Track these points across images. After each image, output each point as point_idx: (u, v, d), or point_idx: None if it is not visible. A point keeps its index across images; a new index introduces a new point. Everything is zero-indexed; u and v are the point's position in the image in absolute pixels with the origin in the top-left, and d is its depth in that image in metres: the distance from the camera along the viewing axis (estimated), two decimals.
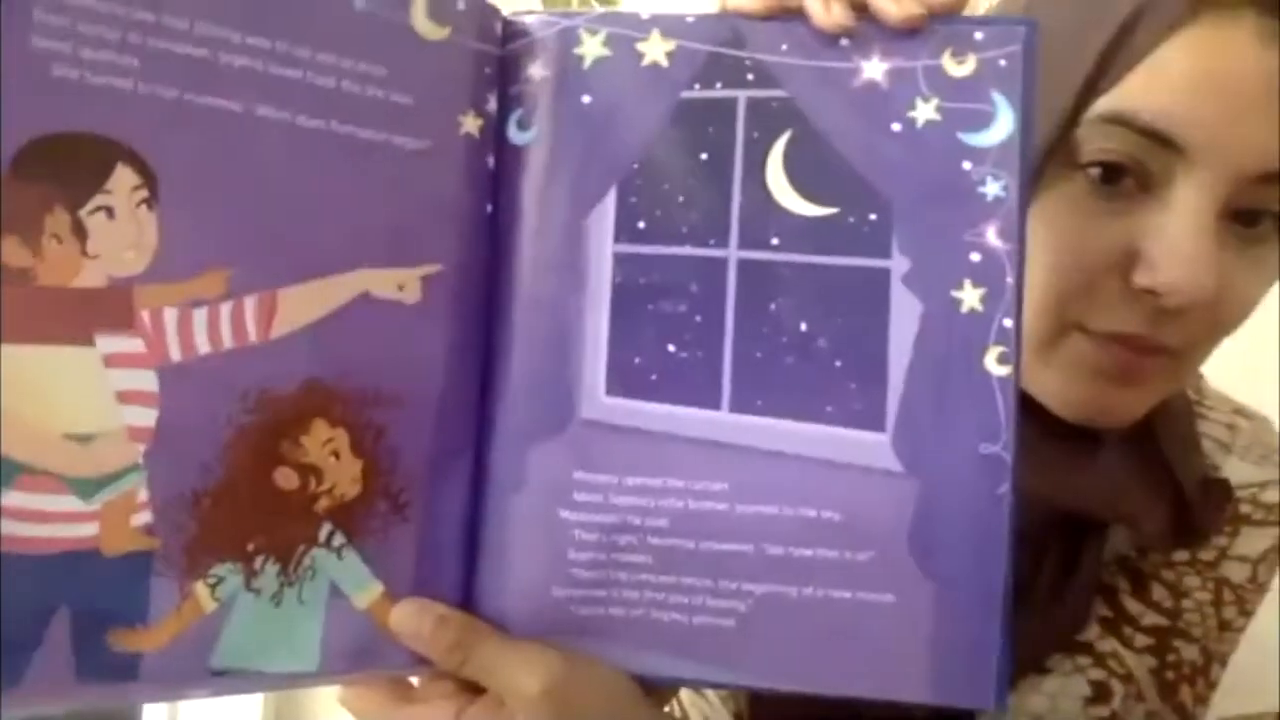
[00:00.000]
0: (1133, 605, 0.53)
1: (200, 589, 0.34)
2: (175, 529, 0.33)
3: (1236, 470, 0.55)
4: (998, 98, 0.36)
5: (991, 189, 0.36)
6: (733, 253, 0.37)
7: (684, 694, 0.54)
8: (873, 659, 0.37)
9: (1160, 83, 0.41)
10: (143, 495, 0.33)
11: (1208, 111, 0.41)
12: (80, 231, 0.31)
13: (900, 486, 0.36)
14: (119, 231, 0.32)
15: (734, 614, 0.37)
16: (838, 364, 0.37)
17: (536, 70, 0.38)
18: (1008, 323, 0.36)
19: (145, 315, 0.33)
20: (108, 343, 0.32)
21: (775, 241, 0.37)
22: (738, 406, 0.37)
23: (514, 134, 0.38)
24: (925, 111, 0.36)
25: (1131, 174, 0.42)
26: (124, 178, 0.32)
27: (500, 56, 0.38)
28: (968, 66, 0.36)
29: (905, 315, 0.36)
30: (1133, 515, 0.50)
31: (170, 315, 0.33)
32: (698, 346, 0.37)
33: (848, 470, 0.37)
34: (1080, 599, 0.52)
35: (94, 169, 0.31)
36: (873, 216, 0.37)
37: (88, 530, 0.32)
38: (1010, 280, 0.36)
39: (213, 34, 0.33)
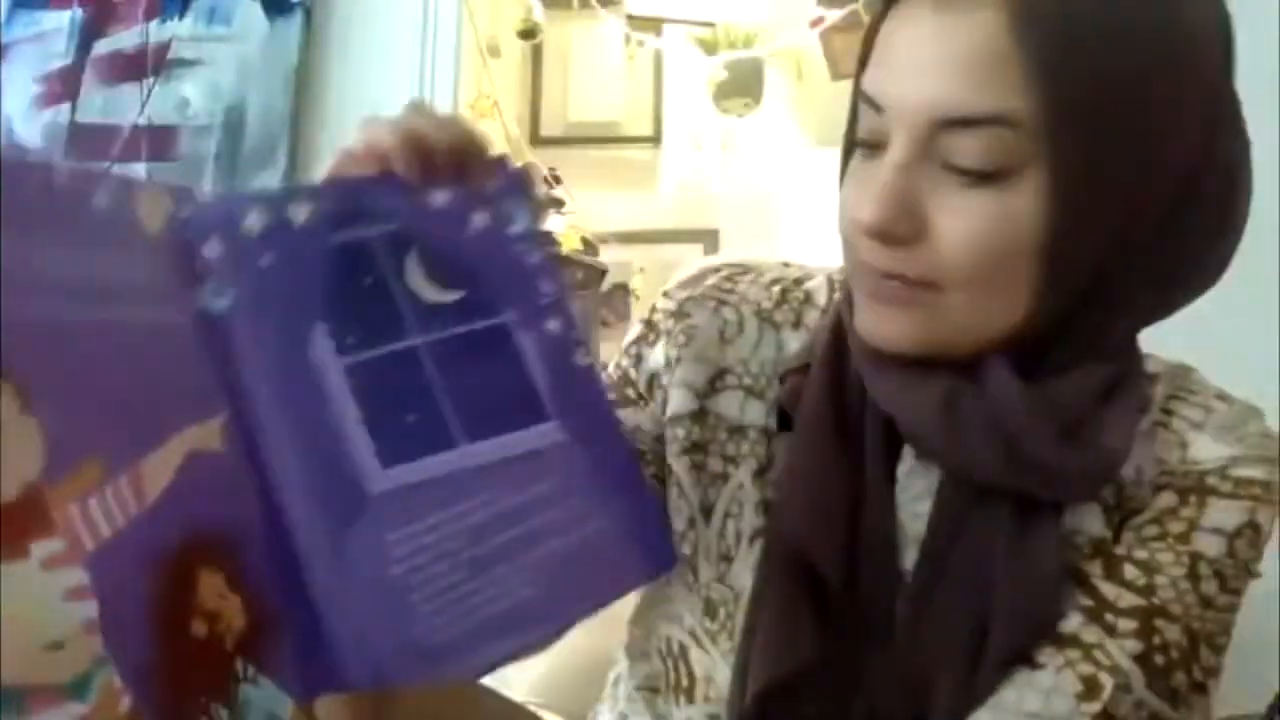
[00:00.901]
0: (1108, 589, 0.53)
1: None
2: (150, 705, 0.34)
3: (1203, 447, 0.55)
4: (519, 202, 0.55)
5: (536, 258, 0.55)
6: (418, 339, 0.50)
7: (692, 654, 0.59)
8: (605, 573, 0.53)
9: (872, 56, 0.52)
10: (118, 681, 0.33)
11: (892, 73, 0.50)
12: None
13: (574, 448, 0.53)
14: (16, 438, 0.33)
15: (532, 583, 0.49)
16: (512, 388, 0.52)
17: (218, 246, 0.45)
18: (577, 334, 0.56)
19: (57, 516, 0.33)
20: (40, 548, 0.32)
21: (438, 323, 0.51)
22: (474, 437, 0.50)
23: (213, 303, 0.45)
24: (480, 219, 0.54)
25: (877, 140, 0.52)
26: (5, 391, 0.33)
27: (190, 238, 0.44)
28: (492, 185, 0.55)
29: (524, 347, 0.53)
30: (959, 447, 0.53)
31: (74, 509, 0.34)
32: (427, 410, 0.49)
33: (545, 452, 0.52)
34: (1045, 580, 0.53)
35: None
36: (484, 292, 0.53)
37: None
38: (571, 309, 0.56)
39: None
